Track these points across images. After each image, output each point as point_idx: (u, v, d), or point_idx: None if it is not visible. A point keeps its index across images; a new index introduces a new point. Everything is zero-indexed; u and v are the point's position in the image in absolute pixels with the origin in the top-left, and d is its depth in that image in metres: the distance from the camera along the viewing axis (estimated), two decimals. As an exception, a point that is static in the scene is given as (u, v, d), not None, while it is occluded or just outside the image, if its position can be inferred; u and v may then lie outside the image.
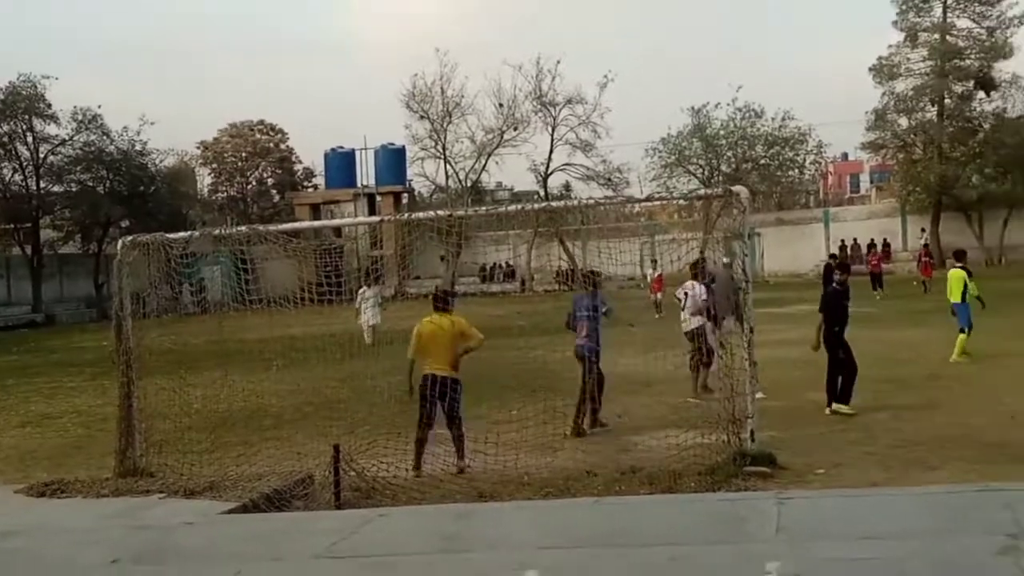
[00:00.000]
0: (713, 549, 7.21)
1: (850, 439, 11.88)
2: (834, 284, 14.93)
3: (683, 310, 16.02)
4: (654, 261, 29.27)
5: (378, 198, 61.32)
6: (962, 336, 18.30)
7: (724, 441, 10.81)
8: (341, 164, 62.80)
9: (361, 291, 23.88)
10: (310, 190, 68.33)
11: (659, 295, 27.65)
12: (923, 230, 53.23)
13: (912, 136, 56.11)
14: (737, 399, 11.16)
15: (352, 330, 13.15)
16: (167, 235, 12.47)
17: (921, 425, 12.43)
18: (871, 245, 52.13)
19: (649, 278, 30.17)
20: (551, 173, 61.03)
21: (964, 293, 18.50)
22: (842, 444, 11.63)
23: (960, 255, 21.54)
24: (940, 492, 8.71)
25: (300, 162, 70.74)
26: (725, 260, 25.59)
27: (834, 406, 13.73)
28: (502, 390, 16.06)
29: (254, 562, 7.66)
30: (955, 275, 18.98)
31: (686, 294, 15.93)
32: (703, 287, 15.58)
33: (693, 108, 59.40)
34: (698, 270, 15.74)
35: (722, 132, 59.06)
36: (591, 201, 14.48)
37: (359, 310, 23.51)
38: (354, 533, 8.36)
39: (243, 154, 68.62)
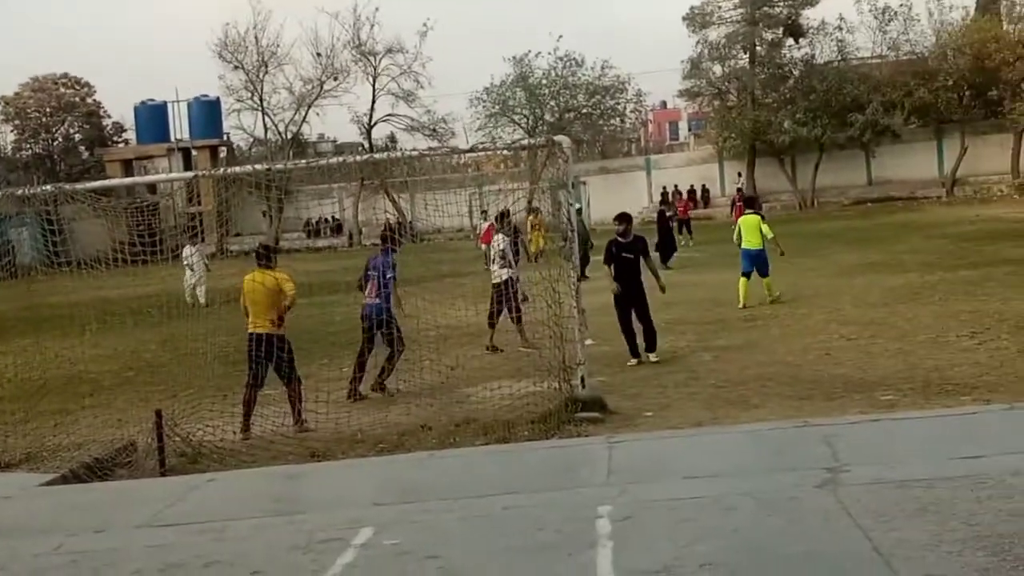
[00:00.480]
0: (546, 496, 7.26)
1: (676, 381, 12.17)
2: (616, 236, 14.03)
3: (492, 262, 15.88)
4: (483, 212, 29.17)
5: (193, 152, 59.22)
6: (767, 280, 18.61)
7: (556, 388, 10.92)
8: (152, 118, 60.22)
9: (185, 250, 23.01)
10: (121, 145, 65.41)
11: (487, 246, 27.76)
12: (739, 175, 55.04)
13: (726, 83, 57.71)
14: (567, 346, 11.28)
15: (171, 290, 12.63)
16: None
17: (742, 365, 12.85)
18: (676, 192, 53.50)
19: (479, 229, 30.16)
20: (375, 124, 60.17)
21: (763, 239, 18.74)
22: (669, 386, 11.91)
23: (750, 202, 21.97)
24: (761, 430, 9.02)
25: (109, 116, 67.40)
26: (578, 206, 26.00)
27: (644, 356, 13.63)
28: (331, 347, 15.82)
29: (76, 534, 7.31)
30: (750, 221, 19.13)
31: (495, 247, 15.74)
32: (509, 239, 15.52)
33: (515, 57, 59.53)
34: (503, 223, 15.77)
35: (544, 81, 59.39)
36: (415, 152, 14.33)
37: (185, 268, 22.67)
38: (180, 500, 8.08)
39: (47, 109, 64.95)
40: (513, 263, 15.42)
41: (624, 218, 14.19)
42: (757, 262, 18.71)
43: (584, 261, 26.82)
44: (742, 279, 18.58)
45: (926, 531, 5.63)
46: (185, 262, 22.26)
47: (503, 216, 15.91)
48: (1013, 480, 6.30)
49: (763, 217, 19.70)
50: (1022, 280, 18.42)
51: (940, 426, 8.40)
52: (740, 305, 18.12)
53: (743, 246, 18.92)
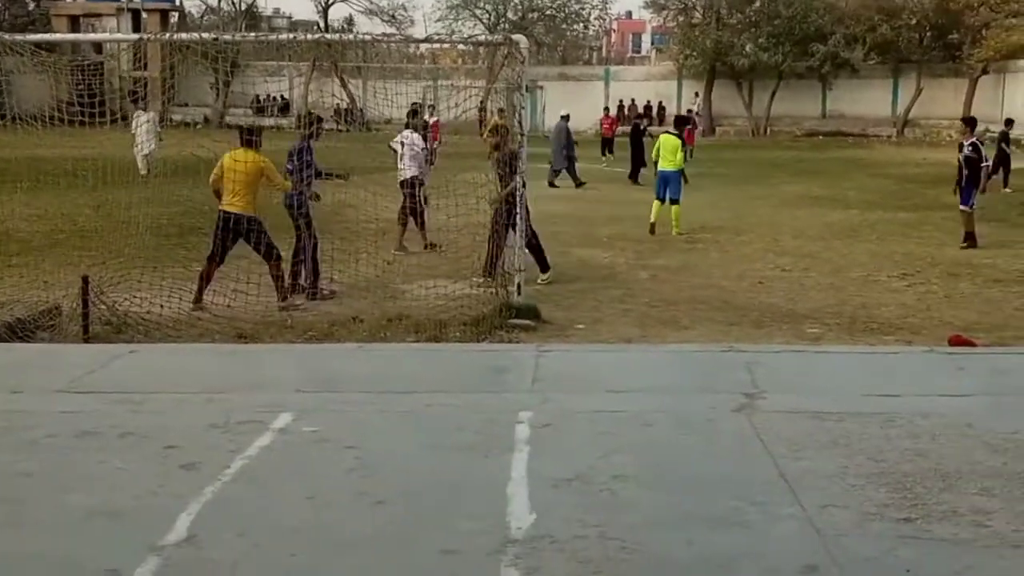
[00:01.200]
0: (469, 397, 7.30)
1: (611, 296, 12.26)
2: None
3: (400, 159, 15.41)
4: (431, 107, 28.37)
5: (144, 15, 57.42)
6: (676, 207, 17.86)
7: (492, 293, 10.95)
8: (105, -27, 58.34)
9: (136, 115, 22.13)
10: (69, 1, 63.26)
11: (435, 144, 26.87)
12: (696, 95, 54.86)
13: (693, 0, 57.29)
14: (507, 252, 11.29)
15: (108, 155, 12.32)
16: None
17: (677, 286, 12.97)
18: (632, 107, 53.15)
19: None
20: (332, 3, 58.91)
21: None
22: (604, 301, 12.00)
23: (681, 121, 20.74)
24: (687, 351, 9.13)
25: (59, -32, 65.12)
26: (563, 113, 25.96)
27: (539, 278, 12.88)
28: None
29: (-9, 395, 7.21)
30: (669, 142, 18.29)
31: (402, 143, 15.36)
32: (419, 136, 15.31)
33: (483, -53, 58.43)
34: (415, 120, 15.57)
35: (510, -24, 58.47)
36: (368, 36, 14.01)
37: (135, 135, 21.91)
38: (101, 368, 8.00)
39: (-6, -46, 62.52)
40: (423, 163, 15.19)
41: (496, 130, 13.43)
42: (668, 185, 17.95)
43: (571, 164, 26.69)
44: (655, 202, 17.97)
45: (833, 463, 5.76)
46: (133, 129, 21.43)
47: (414, 113, 15.62)
48: (922, 421, 6.46)
49: (683, 141, 18.79)
50: (958, 227, 18.71)
51: (860, 363, 8.55)
52: (649, 229, 17.47)
53: (658, 166, 18.17)
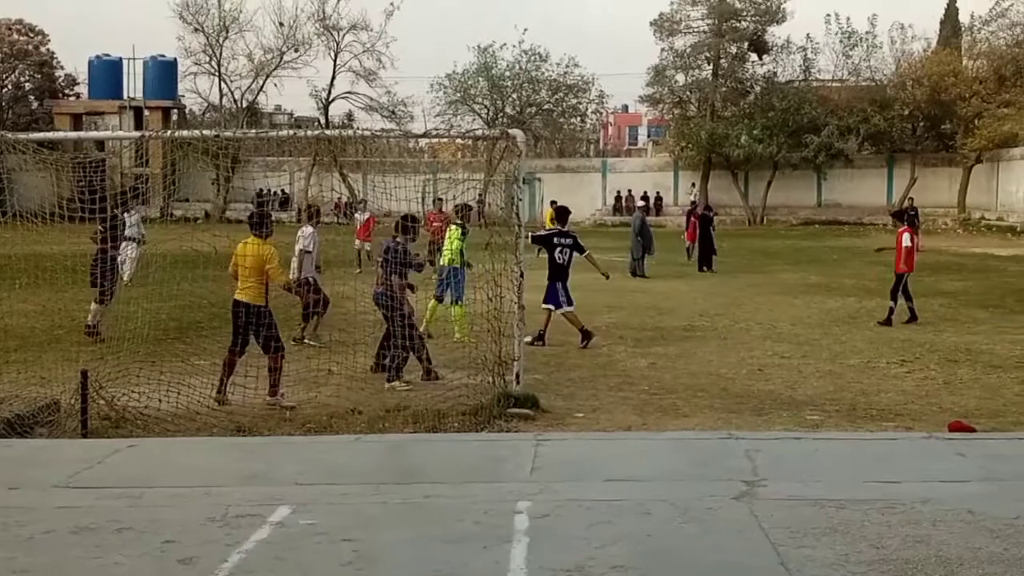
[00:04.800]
0: (468, 487, 7.28)
1: (610, 384, 12.26)
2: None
3: (307, 252, 14.87)
4: (437, 199, 27.32)
5: (146, 112, 58.32)
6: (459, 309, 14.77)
7: (490, 382, 10.95)
8: (107, 73, 59.09)
9: (126, 215, 21.68)
10: (72, 99, 64.23)
11: (362, 243, 23.35)
12: (693, 185, 55.42)
13: (688, 93, 58.08)
14: (504, 341, 11.31)
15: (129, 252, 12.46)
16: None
17: (676, 374, 12.97)
18: (629, 197, 53.69)
19: (356, 222, 26.62)
20: (333, 100, 59.75)
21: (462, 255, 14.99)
22: (603, 389, 11.99)
23: (463, 211, 15.41)
24: (687, 438, 9.11)
25: (62, 68, 66.13)
26: (640, 203, 26.08)
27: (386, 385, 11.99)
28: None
29: (-11, 491, 7.18)
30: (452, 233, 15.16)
31: (304, 238, 14.91)
32: (314, 230, 15.01)
33: (480, 46, 59.49)
34: (311, 212, 15.42)
35: (508, 73, 59.36)
36: (368, 132, 14.24)
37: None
38: (100, 463, 7.99)
39: (-1, 55, 63.71)
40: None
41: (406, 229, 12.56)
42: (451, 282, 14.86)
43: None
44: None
45: (834, 550, 5.73)
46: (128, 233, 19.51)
47: (310, 208, 15.45)
48: (922, 507, 6.43)
49: (465, 233, 15.08)
50: (956, 313, 18.80)
51: (860, 449, 8.54)
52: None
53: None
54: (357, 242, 22.89)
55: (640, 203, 38.83)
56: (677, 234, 41.22)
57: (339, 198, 29.40)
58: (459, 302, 14.71)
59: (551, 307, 15.23)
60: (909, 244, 17.96)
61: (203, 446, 9.02)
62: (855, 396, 11.63)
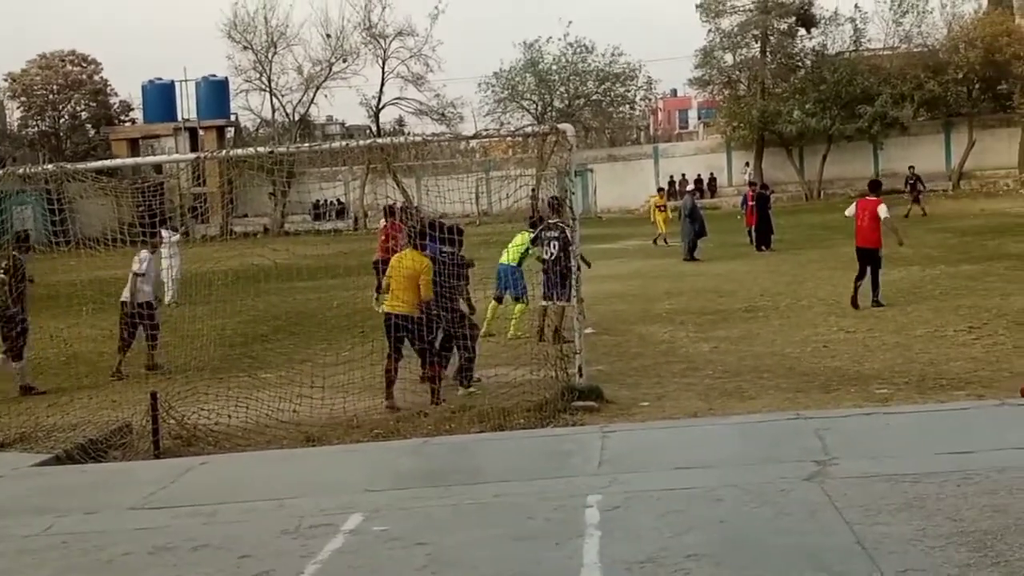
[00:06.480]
0: (537, 484, 7.29)
1: (674, 371, 12.19)
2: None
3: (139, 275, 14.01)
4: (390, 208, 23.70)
5: (200, 132, 59.14)
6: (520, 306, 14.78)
7: (553, 377, 10.94)
8: (160, 97, 60.05)
9: (166, 235, 18.11)
10: (128, 124, 65.33)
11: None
12: (747, 164, 54.86)
13: (737, 72, 57.47)
14: (565, 334, 11.30)
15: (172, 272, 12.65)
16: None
17: (740, 356, 12.86)
18: (683, 181, 53.16)
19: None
20: (383, 107, 60.15)
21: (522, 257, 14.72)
22: (666, 376, 11.92)
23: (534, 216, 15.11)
24: (755, 421, 9.02)
25: (116, 95, 67.17)
26: (690, 187, 25.12)
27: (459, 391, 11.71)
28: (331, 331, 15.86)
29: (67, 515, 7.33)
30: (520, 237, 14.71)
31: (140, 262, 13.94)
32: (149, 255, 14.07)
33: (525, 42, 59.42)
34: (156, 239, 14.12)
35: (554, 67, 59.25)
36: (419, 137, 14.30)
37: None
38: (173, 482, 8.12)
39: (54, 86, 64.82)
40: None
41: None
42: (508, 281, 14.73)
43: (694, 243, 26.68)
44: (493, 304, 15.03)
45: (911, 526, 5.64)
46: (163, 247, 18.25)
47: (154, 235, 13.96)
48: (999, 476, 6.31)
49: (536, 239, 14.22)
50: (1022, 275, 18.38)
51: (931, 421, 8.40)
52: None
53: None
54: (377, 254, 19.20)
55: (690, 187, 38.48)
56: (733, 215, 40.90)
57: (393, 203, 29.48)
58: (521, 300, 14.67)
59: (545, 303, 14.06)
60: (887, 215, 16.30)
61: (274, 459, 9.12)
62: (923, 367, 11.45)
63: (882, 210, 16.20)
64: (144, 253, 14.11)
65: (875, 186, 17.46)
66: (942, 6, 53.43)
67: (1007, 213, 34.38)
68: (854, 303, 15.93)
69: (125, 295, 13.85)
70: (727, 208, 46.78)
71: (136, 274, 13.92)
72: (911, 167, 43.33)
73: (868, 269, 16.20)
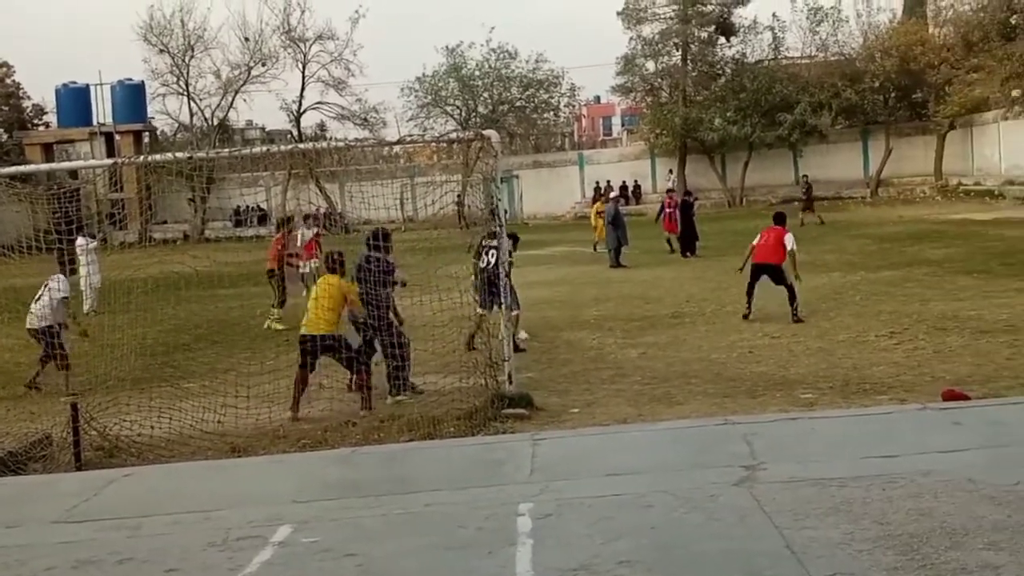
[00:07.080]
0: (469, 493, 7.25)
1: (603, 377, 12.24)
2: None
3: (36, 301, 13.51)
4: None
5: (116, 137, 57.87)
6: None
7: (483, 385, 10.91)
8: (75, 100, 58.58)
9: (82, 243, 17.76)
10: (41, 129, 63.76)
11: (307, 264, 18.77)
12: (670, 171, 55.40)
13: (659, 80, 58.02)
14: (494, 342, 11.28)
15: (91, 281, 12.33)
16: None
17: (668, 362, 12.96)
18: (608, 187, 53.51)
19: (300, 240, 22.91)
20: (304, 112, 59.41)
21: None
22: (596, 382, 11.97)
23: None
24: (684, 427, 9.11)
25: (29, 98, 65.56)
26: (614, 194, 25.08)
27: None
28: (255, 340, 15.65)
29: (-14, 530, 7.11)
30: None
31: (46, 286, 13.46)
32: (64, 280, 13.61)
33: (448, 47, 59.27)
34: (62, 258, 13.39)
35: (477, 73, 59.21)
36: (341, 143, 14.17)
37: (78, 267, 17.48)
38: (96, 495, 7.93)
39: (-37, 89, 63.19)
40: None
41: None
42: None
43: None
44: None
45: (838, 529, 5.72)
46: (80, 255, 17.82)
47: (60, 253, 13.10)
48: (923, 480, 6.43)
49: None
50: (941, 281, 18.85)
51: (856, 425, 8.54)
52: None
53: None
54: (302, 263, 18.74)
55: (613, 194, 38.74)
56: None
57: (317, 209, 29.16)
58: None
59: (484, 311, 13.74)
60: (793, 246, 16.03)
61: (199, 470, 8.96)
62: (847, 372, 11.65)
63: (789, 240, 16.06)
64: (60, 276, 13.51)
65: (780, 218, 17.37)
66: (857, 15, 54.56)
67: (924, 220, 35.22)
68: (746, 317, 15.89)
69: (48, 320, 13.26)
70: (652, 215, 47.13)
71: (65, 298, 13.54)
72: (804, 176, 45.39)
73: (780, 286, 15.93)
